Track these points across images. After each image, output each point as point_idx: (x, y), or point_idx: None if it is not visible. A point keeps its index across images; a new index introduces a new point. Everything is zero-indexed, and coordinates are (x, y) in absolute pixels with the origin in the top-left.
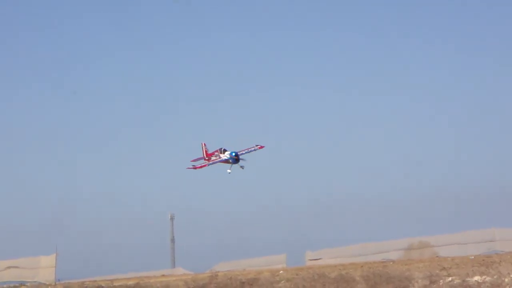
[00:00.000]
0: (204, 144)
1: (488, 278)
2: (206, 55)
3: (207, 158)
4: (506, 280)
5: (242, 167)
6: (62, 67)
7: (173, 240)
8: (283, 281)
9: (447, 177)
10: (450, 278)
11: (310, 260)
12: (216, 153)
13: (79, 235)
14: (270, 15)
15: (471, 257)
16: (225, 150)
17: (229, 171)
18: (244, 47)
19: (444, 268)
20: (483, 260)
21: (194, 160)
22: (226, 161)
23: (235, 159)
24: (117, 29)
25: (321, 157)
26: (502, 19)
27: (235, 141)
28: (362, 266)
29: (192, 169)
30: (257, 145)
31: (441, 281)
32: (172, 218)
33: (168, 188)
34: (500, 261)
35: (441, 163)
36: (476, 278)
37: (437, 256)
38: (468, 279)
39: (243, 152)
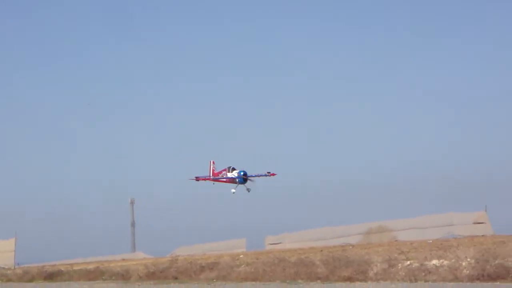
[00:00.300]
0: (213, 162)
1: (446, 262)
2: None
3: (212, 178)
4: (464, 263)
5: (248, 189)
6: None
7: (133, 225)
8: (243, 265)
9: (405, 163)
10: (408, 262)
11: (270, 244)
12: (223, 172)
13: (38, 219)
14: None
15: (429, 241)
16: (233, 169)
17: (233, 190)
18: None
19: (403, 252)
20: (441, 244)
21: (198, 178)
22: (232, 180)
23: (243, 178)
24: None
25: (279, 142)
26: None
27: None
28: (321, 250)
29: (193, 180)
30: (268, 172)
31: (399, 264)
32: (132, 203)
33: (128, 173)
34: (458, 245)
35: (399, 149)
36: (434, 261)
37: (396, 240)
38: (426, 262)
39: (253, 175)
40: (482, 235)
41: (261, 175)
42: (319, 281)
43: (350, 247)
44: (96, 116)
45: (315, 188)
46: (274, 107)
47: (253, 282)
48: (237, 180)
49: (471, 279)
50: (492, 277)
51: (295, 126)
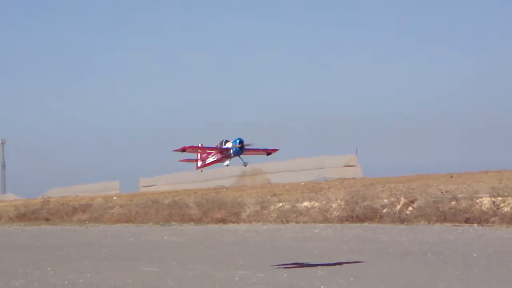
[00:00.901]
0: (201, 145)
1: (316, 204)
2: None
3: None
4: (334, 205)
5: (245, 163)
6: None
7: (3, 166)
8: (116, 207)
9: (277, 105)
10: (280, 204)
11: (144, 186)
12: (214, 151)
13: None
14: None
15: (301, 184)
16: (227, 141)
17: (227, 162)
18: None
19: (275, 194)
20: (313, 186)
21: (185, 149)
22: (226, 154)
23: (239, 148)
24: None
25: (149, 85)
26: None
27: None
28: (195, 193)
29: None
30: (268, 150)
31: (272, 206)
32: (2, 143)
33: None
34: (329, 187)
35: (268, 91)
36: (306, 203)
37: (269, 183)
38: (297, 204)
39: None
40: (352, 178)
41: (259, 149)
42: (192, 222)
43: (224, 189)
44: None
45: (188, 131)
46: None
47: (126, 224)
48: (231, 151)
49: (341, 220)
50: (360, 218)
51: None
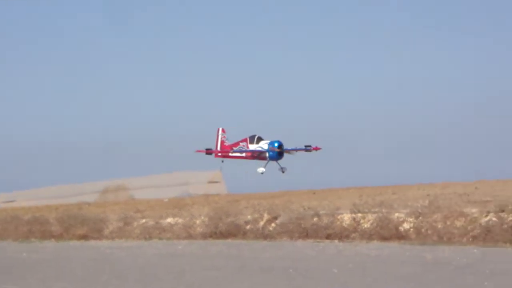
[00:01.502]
0: (223, 131)
1: (180, 220)
2: None
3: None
4: (197, 221)
5: (283, 169)
6: None
7: None
8: None
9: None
10: (144, 220)
11: (3, 202)
12: (241, 144)
13: None
14: None
15: (165, 200)
16: (260, 139)
17: (262, 169)
18: None
19: (139, 210)
20: (177, 202)
21: (210, 151)
22: (259, 155)
23: (278, 152)
24: None
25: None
26: None
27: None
28: (57, 208)
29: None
30: (309, 146)
31: (135, 223)
32: None
33: None
34: (193, 203)
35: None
36: (169, 219)
37: (132, 199)
38: (161, 221)
39: (291, 149)
40: (217, 194)
41: (299, 149)
42: (53, 239)
43: (87, 205)
44: None
45: (52, 146)
46: None
47: None
48: (268, 154)
49: (204, 236)
50: (224, 235)
51: None
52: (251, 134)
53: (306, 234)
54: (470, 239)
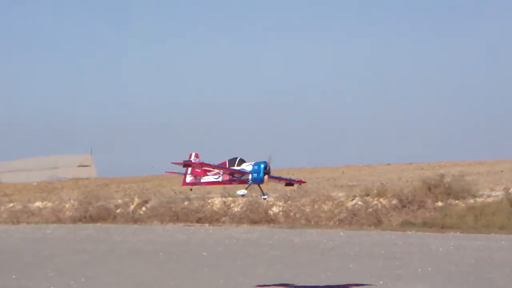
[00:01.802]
0: (196, 155)
1: (49, 204)
2: None
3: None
4: (67, 205)
5: (265, 196)
6: None
7: None
8: None
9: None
10: (11, 204)
11: None
12: (218, 169)
13: None
14: None
15: (34, 184)
16: (242, 161)
17: (243, 191)
18: None
19: (7, 194)
20: (46, 186)
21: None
22: (239, 178)
23: (261, 176)
24: None
25: None
26: None
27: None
28: None
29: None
30: (294, 180)
31: (2, 207)
32: None
33: None
34: (62, 187)
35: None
36: (38, 204)
37: (0, 183)
38: (29, 205)
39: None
40: (87, 178)
41: (284, 179)
42: None
43: None
44: None
45: None
46: None
47: None
48: (250, 177)
49: (74, 220)
50: (94, 218)
51: None
52: (231, 157)
53: (176, 217)
54: (337, 222)
